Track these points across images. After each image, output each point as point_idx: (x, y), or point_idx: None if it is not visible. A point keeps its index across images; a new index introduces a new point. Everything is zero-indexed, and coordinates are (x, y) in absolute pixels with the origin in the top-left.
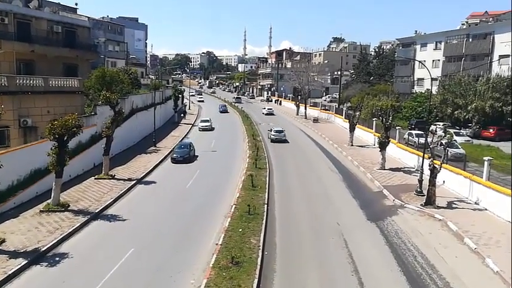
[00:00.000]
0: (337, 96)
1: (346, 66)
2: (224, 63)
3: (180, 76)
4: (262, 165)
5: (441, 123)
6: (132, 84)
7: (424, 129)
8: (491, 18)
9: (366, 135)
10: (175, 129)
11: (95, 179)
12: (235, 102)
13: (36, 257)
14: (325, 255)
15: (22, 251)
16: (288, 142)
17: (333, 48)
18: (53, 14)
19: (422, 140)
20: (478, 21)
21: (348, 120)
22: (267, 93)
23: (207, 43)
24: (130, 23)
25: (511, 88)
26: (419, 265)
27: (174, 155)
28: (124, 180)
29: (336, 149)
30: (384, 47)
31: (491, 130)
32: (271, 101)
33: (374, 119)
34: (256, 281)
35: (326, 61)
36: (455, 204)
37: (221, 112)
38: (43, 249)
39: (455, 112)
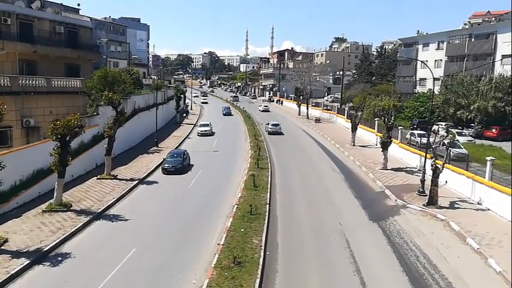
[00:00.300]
0: (339, 96)
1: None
2: (226, 64)
3: (182, 76)
4: (264, 165)
5: (443, 123)
6: (134, 85)
7: (426, 129)
8: (493, 18)
9: (368, 135)
10: (177, 129)
11: (97, 179)
12: (233, 101)
13: (38, 257)
14: (327, 255)
15: (25, 250)
16: (283, 134)
17: (335, 48)
18: (55, 15)
19: (424, 140)
20: (481, 21)
21: (350, 120)
22: (269, 93)
23: (209, 43)
24: (133, 24)
25: (511, 88)
26: (421, 265)
27: (166, 165)
28: (126, 180)
29: (338, 149)
30: (386, 47)
31: (493, 130)
32: (272, 101)
33: (376, 119)
34: (258, 281)
35: (328, 61)
36: (457, 204)
37: (224, 115)
38: (45, 249)
39: (458, 112)
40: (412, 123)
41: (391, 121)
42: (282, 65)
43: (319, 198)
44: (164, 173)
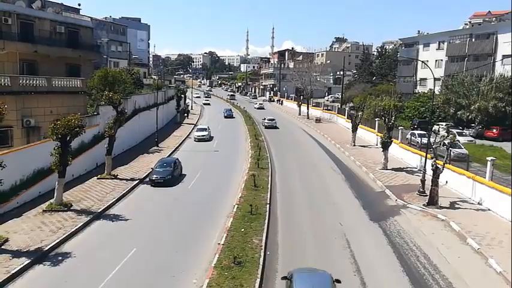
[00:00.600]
0: (340, 96)
1: (348, 66)
2: (226, 64)
3: (182, 76)
4: (265, 165)
5: (444, 123)
6: (134, 85)
7: (426, 129)
8: (494, 18)
9: (369, 135)
10: (178, 129)
11: (98, 178)
12: (230, 99)
13: (39, 257)
14: (328, 255)
15: (25, 250)
16: (278, 128)
17: (335, 48)
18: (56, 15)
19: (424, 140)
20: (481, 21)
21: (350, 120)
22: (269, 93)
23: (209, 43)
24: (133, 24)
25: (510, 88)
26: (421, 265)
27: (154, 176)
28: (126, 180)
29: (339, 149)
30: (387, 47)
31: (494, 130)
32: (273, 101)
33: (376, 119)
34: (258, 280)
35: (328, 61)
36: (458, 204)
37: (226, 117)
38: (46, 248)
39: (458, 112)
40: (412, 123)
41: (392, 121)
42: (282, 65)
43: (320, 198)
44: (152, 185)
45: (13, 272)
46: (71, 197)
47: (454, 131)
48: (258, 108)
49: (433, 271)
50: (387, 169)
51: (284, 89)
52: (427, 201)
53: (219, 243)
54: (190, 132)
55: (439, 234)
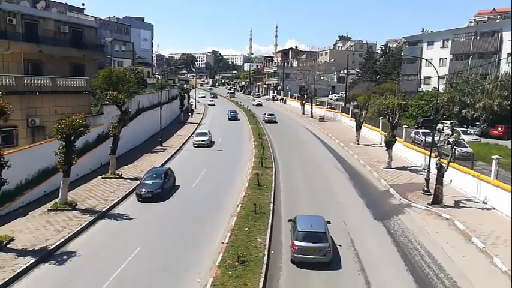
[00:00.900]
0: (344, 95)
1: (352, 64)
2: (230, 63)
3: (186, 75)
4: (268, 164)
5: (448, 122)
6: (138, 84)
7: (431, 128)
8: (499, 16)
9: (373, 134)
10: (182, 128)
11: (102, 178)
12: (229, 97)
13: (44, 256)
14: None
15: (30, 249)
16: (277, 122)
17: (339, 47)
18: (60, 15)
19: (429, 139)
20: (486, 18)
21: (354, 119)
22: (273, 92)
23: (213, 42)
24: (137, 23)
25: (511, 86)
26: (426, 264)
27: (142, 190)
28: (131, 179)
29: (342, 147)
30: (391, 46)
31: (499, 128)
32: (276, 99)
33: (380, 118)
34: (262, 279)
35: (332, 60)
36: (462, 203)
37: (230, 119)
38: (51, 247)
39: (463, 110)
40: (416, 121)
41: (396, 120)
42: (286, 64)
43: (324, 197)
44: (139, 200)
45: (19, 270)
46: (75, 196)
47: (459, 129)
48: (257, 105)
49: (437, 270)
50: (391, 168)
51: (288, 87)
52: (431, 200)
53: (223, 242)
54: (194, 131)
55: (443, 233)
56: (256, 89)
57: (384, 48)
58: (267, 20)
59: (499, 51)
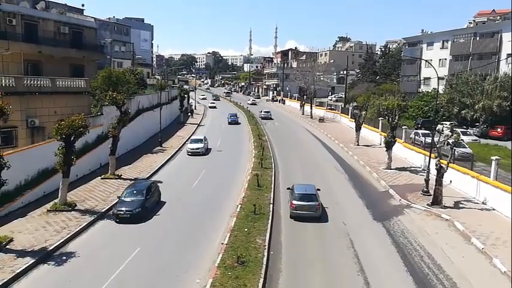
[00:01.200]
0: (343, 96)
1: (352, 65)
2: (230, 63)
3: (186, 76)
4: (268, 164)
5: (448, 123)
6: (138, 85)
7: (430, 129)
8: (498, 17)
9: (372, 135)
10: (181, 129)
11: (102, 178)
12: (225, 96)
13: (43, 256)
14: (331, 255)
15: (30, 250)
16: (273, 119)
17: (338, 47)
18: (59, 15)
19: (428, 140)
20: (486, 19)
21: (353, 120)
22: (273, 93)
23: (212, 43)
24: (136, 24)
25: (511, 87)
26: (425, 265)
27: (121, 209)
28: (130, 180)
29: (342, 148)
30: (390, 46)
31: (499, 129)
32: (276, 100)
33: (380, 119)
34: (261, 280)
35: (332, 60)
36: (462, 204)
37: (230, 123)
38: (50, 248)
39: (462, 111)
40: (416, 122)
41: (395, 120)
42: (285, 65)
43: (323, 198)
44: (116, 221)
45: (18, 271)
46: (75, 196)
47: (458, 130)
48: (251, 104)
49: (437, 271)
50: (391, 169)
51: (287, 88)
52: (431, 200)
53: (222, 243)
54: (193, 132)
55: (443, 234)
56: (256, 90)
57: (383, 49)
58: (267, 21)
59: (498, 52)
